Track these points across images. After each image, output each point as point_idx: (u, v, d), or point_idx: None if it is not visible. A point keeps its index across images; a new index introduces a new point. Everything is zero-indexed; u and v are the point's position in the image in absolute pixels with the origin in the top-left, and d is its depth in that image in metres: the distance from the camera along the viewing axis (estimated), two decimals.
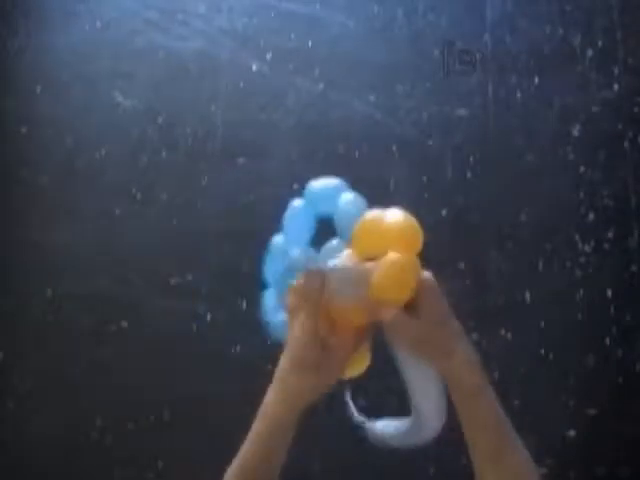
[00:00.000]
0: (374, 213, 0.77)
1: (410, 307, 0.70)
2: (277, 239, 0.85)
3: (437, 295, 0.71)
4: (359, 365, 0.80)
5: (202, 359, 1.53)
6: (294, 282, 0.74)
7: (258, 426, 0.72)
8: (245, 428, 0.74)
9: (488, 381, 0.71)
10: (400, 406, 0.77)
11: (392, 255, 0.72)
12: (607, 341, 1.45)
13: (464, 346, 0.70)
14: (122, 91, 1.76)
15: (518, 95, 1.59)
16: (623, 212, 1.50)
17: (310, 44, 1.70)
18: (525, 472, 0.70)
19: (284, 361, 0.71)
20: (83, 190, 1.73)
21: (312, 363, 0.70)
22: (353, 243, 0.77)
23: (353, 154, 1.62)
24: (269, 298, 0.83)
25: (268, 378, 0.74)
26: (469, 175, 1.58)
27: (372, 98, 1.64)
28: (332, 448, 1.49)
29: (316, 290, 0.71)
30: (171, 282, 1.60)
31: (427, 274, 0.72)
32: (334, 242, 0.83)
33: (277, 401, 0.71)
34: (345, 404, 0.88)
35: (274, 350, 0.78)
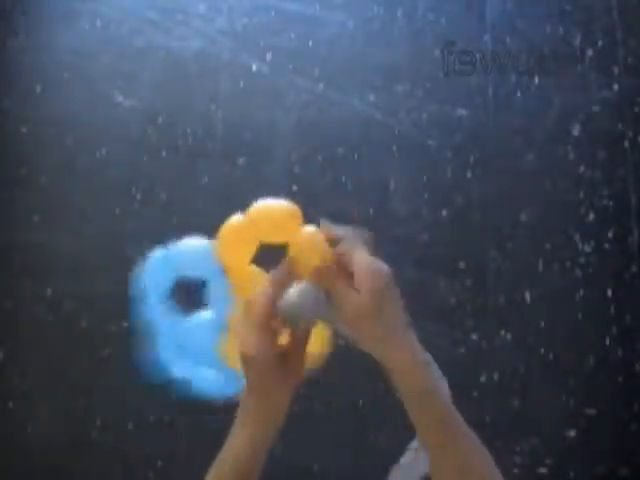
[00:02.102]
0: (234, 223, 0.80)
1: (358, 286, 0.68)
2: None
3: (377, 279, 0.67)
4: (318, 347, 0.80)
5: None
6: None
7: (227, 454, 0.73)
8: None
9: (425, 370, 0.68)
10: None
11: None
12: (607, 341, 1.45)
13: (406, 337, 0.68)
14: (122, 91, 1.76)
15: (518, 95, 1.59)
16: (623, 212, 1.50)
17: (310, 44, 1.70)
18: (474, 462, 0.68)
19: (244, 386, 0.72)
20: (83, 190, 1.73)
21: (267, 381, 0.70)
22: (224, 252, 0.79)
23: (353, 154, 1.62)
24: (163, 352, 0.85)
25: None
26: (469, 175, 1.58)
27: (372, 98, 1.64)
28: (332, 448, 1.49)
29: (260, 304, 0.70)
30: None
31: (375, 259, 0.69)
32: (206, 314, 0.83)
33: (243, 425, 0.72)
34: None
35: None
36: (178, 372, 0.84)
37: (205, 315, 0.84)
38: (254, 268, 0.81)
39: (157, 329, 0.84)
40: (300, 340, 0.73)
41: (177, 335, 0.86)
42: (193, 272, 0.84)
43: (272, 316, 0.70)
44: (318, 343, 0.79)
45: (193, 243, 0.85)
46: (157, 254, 0.85)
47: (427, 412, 0.68)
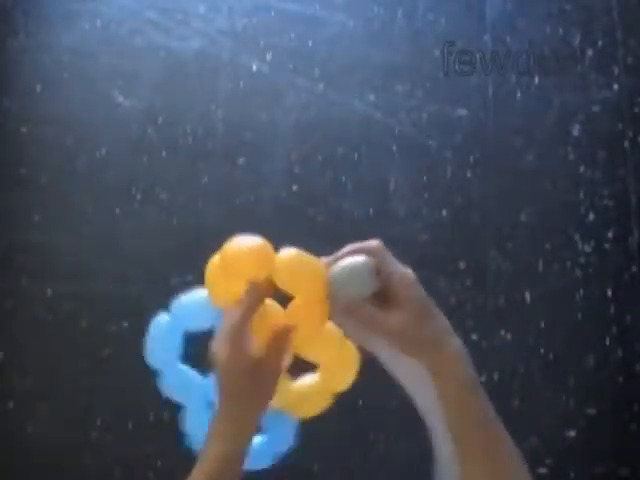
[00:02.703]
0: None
1: (387, 303, 0.69)
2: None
3: (417, 289, 0.70)
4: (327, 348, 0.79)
5: (202, 358, 1.53)
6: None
7: (209, 466, 0.72)
8: None
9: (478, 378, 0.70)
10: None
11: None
12: (607, 341, 1.45)
13: (454, 339, 0.69)
14: (122, 91, 1.76)
15: (518, 95, 1.59)
16: (623, 212, 1.50)
17: (310, 44, 1.70)
18: (515, 474, 0.68)
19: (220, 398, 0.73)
20: (83, 190, 1.73)
21: (244, 387, 0.72)
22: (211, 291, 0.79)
23: (353, 154, 1.62)
24: (190, 418, 0.87)
25: None
26: (469, 175, 1.58)
27: (372, 98, 1.64)
28: (332, 448, 1.49)
29: (234, 314, 0.73)
30: (171, 282, 1.60)
31: (405, 269, 0.71)
32: None
33: (224, 436, 0.72)
34: None
35: None
36: None
37: None
38: None
39: (182, 392, 0.85)
40: (275, 352, 0.74)
41: (203, 390, 0.86)
42: (198, 325, 0.84)
43: (247, 326, 0.73)
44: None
45: (191, 298, 0.84)
46: (160, 320, 0.85)
47: (474, 408, 0.68)
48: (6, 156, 1.79)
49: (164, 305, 0.87)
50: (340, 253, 0.73)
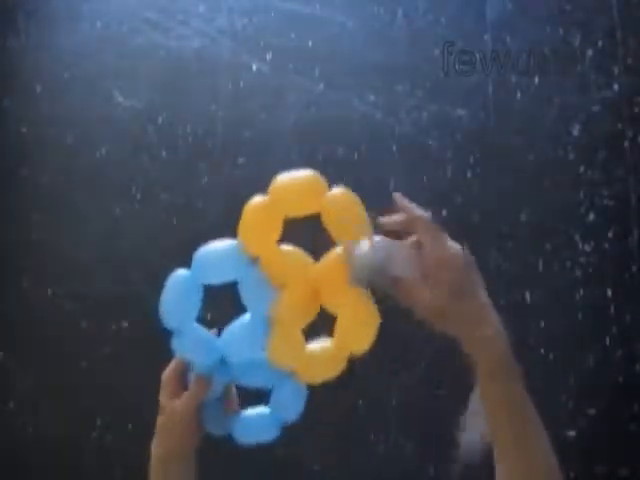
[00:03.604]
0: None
1: (431, 280, 0.69)
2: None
3: (454, 269, 0.70)
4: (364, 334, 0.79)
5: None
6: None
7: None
8: None
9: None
10: None
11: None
12: (607, 341, 1.45)
13: (494, 316, 0.69)
14: (122, 91, 1.76)
15: (518, 95, 1.59)
16: (623, 212, 1.50)
17: (310, 44, 1.70)
18: (545, 463, 0.67)
19: None
20: (83, 190, 1.73)
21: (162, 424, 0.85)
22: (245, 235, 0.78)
23: (353, 154, 1.62)
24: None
25: None
26: (469, 175, 1.58)
27: (372, 98, 1.64)
28: (332, 448, 1.49)
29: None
30: None
31: (455, 246, 0.71)
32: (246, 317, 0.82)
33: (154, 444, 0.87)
34: None
35: None
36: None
37: (244, 320, 0.82)
38: (285, 248, 0.80)
39: (194, 354, 0.84)
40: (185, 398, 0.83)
41: (216, 352, 0.84)
42: (222, 278, 0.81)
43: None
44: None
45: (214, 246, 0.81)
46: (179, 276, 0.82)
47: (510, 390, 0.68)
48: (6, 156, 1.79)
49: None
50: (392, 220, 0.73)
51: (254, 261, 0.78)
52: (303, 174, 0.77)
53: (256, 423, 0.86)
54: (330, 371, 0.81)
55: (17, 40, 1.84)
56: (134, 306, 1.62)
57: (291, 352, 0.79)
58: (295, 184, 0.76)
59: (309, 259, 0.79)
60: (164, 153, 1.71)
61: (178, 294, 0.82)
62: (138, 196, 1.70)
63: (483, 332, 0.68)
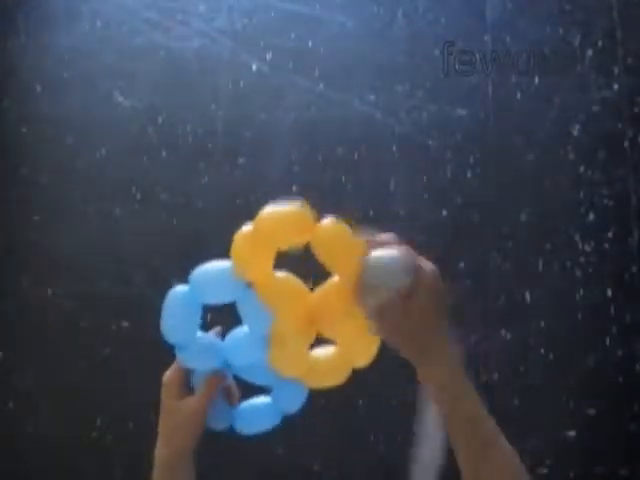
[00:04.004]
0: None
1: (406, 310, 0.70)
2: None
3: (441, 307, 0.71)
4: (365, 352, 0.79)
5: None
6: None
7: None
8: None
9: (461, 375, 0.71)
10: None
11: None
12: (607, 341, 1.45)
13: (446, 353, 0.71)
14: (122, 91, 1.76)
15: (518, 95, 1.59)
16: (623, 212, 1.50)
17: (310, 44, 1.70)
18: (510, 469, 0.69)
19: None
20: (83, 190, 1.73)
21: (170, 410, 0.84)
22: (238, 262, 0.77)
23: (353, 154, 1.62)
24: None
25: None
26: (469, 175, 1.58)
27: (372, 98, 1.64)
28: (332, 448, 1.49)
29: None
30: (171, 282, 1.60)
31: (431, 273, 0.73)
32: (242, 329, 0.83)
33: (158, 446, 0.85)
34: None
35: None
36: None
37: (244, 331, 0.82)
38: (279, 275, 0.79)
39: (202, 363, 0.85)
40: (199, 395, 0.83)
41: (223, 355, 0.85)
42: (218, 299, 0.82)
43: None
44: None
45: (209, 269, 0.81)
46: (177, 292, 0.82)
47: (457, 412, 0.70)
48: (6, 156, 1.79)
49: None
50: (379, 238, 0.72)
51: (250, 285, 0.78)
52: (289, 209, 0.74)
53: (258, 413, 0.86)
54: (333, 380, 0.82)
55: (17, 40, 1.84)
56: (134, 306, 1.62)
57: (294, 364, 0.79)
58: (281, 220, 0.74)
59: (304, 286, 0.79)
60: (164, 153, 1.71)
61: (178, 311, 0.82)
62: (138, 196, 1.70)
63: (433, 368, 0.71)
